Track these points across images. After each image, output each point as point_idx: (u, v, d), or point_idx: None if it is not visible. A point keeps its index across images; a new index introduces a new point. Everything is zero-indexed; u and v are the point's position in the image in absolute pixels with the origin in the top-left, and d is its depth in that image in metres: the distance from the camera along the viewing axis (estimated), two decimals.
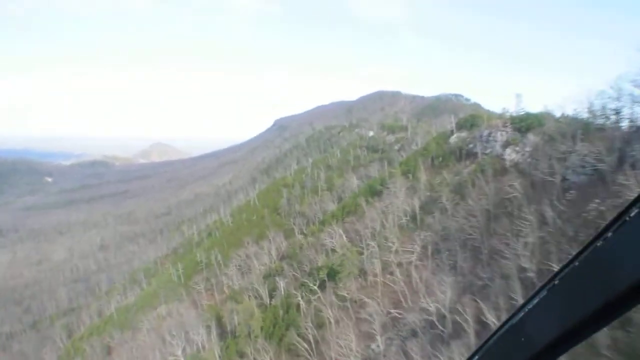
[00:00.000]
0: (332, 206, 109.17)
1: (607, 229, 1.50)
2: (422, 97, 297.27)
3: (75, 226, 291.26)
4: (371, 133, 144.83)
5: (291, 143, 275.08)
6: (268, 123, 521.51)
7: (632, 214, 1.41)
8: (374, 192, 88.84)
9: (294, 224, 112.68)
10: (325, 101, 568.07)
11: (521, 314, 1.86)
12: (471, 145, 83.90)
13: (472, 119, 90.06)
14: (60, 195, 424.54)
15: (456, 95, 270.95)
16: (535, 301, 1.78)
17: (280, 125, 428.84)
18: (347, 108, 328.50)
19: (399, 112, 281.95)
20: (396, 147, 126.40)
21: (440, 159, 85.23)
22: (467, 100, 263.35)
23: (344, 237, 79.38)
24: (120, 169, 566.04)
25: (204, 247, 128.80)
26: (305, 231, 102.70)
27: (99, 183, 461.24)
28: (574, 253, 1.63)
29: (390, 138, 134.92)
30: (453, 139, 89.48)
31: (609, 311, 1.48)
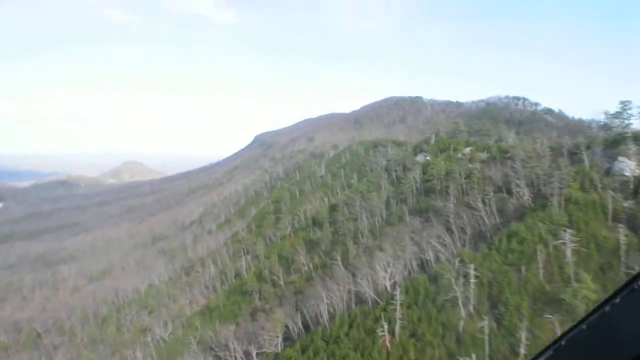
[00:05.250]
0: None
1: (615, 295, 1.39)
2: (457, 103, 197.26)
3: None
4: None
5: (286, 166, 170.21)
6: (247, 139, 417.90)
7: None
8: None
9: None
10: (312, 114, 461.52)
11: None
12: None
13: None
14: (2, 226, 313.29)
15: (517, 99, 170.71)
16: None
17: (262, 142, 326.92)
18: (353, 120, 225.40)
19: (428, 122, 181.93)
20: None
21: None
22: (536, 105, 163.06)
23: None
24: (83, 191, 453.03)
25: None
26: None
27: (51, 210, 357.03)
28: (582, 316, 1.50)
29: None
30: None
31: None
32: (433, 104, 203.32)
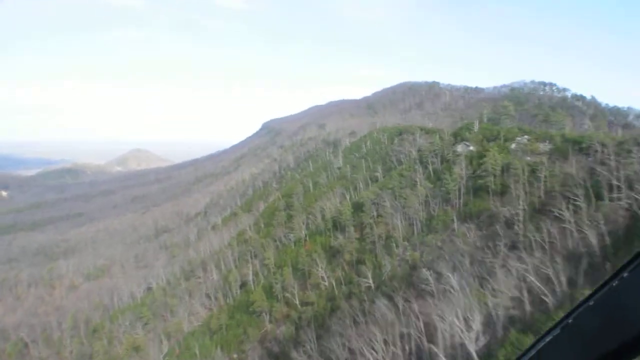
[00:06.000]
0: None
1: (623, 269, 1.34)
2: (477, 89, 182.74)
3: None
4: None
5: (296, 155, 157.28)
6: (255, 126, 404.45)
7: None
8: None
9: None
10: (321, 101, 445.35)
11: (533, 352, 1.64)
12: None
13: None
14: (3, 217, 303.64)
15: (544, 84, 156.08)
16: (547, 339, 1.58)
17: (271, 129, 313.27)
18: (365, 106, 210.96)
19: (447, 109, 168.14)
20: None
21: None
22: (565, 90, 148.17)
23: None
24: (89, 179, 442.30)
25: None
26: None
27: (55, 200, 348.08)
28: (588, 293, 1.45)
29: None
30: None
31: (623, 353, 1.28)
32: (451, 89, 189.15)
